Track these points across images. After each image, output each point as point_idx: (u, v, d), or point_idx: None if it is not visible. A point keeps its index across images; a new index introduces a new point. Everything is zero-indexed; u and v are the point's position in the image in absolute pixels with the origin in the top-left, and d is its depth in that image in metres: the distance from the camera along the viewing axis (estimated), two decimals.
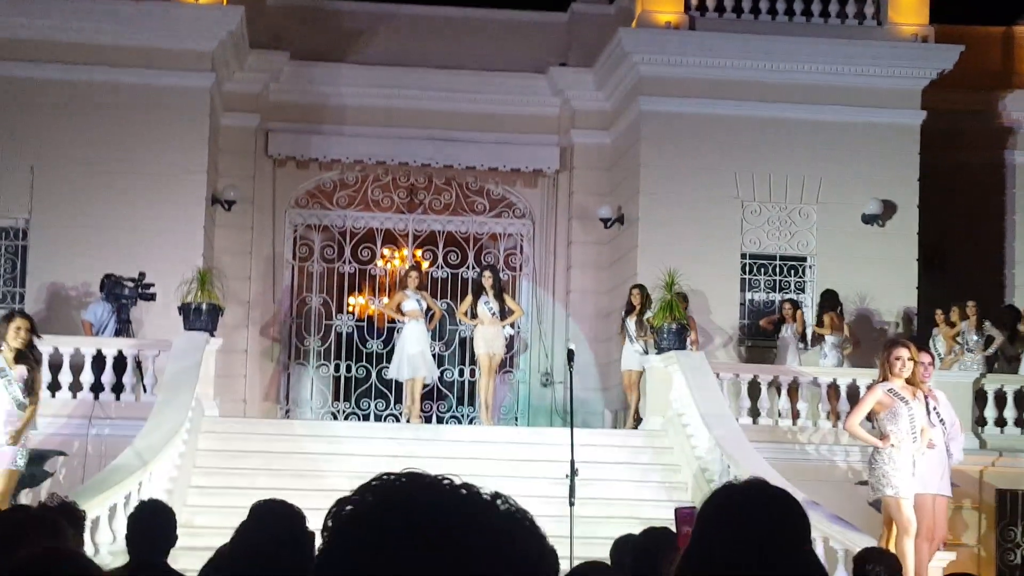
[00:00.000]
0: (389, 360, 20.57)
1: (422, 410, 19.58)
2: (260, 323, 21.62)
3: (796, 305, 20.02)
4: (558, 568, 5.18)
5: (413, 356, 18.69)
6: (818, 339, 19.70)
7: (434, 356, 19.90)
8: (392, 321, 22.46)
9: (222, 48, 20.28)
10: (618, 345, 19.67)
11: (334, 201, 22.23)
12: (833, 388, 17.73)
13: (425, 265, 22.17)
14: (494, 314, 18.56)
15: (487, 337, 18.68)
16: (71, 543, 7.38)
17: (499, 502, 1.56)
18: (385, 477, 1.58)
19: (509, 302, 18.94)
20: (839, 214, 20.79)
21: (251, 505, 4.36)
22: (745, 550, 2.53)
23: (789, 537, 2.58)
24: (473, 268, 22.06)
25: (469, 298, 19.18)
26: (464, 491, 1.56)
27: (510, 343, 20.10)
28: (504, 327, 18.92)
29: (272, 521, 4.21)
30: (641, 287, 19.08)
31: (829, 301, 19.72)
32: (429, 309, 19.18)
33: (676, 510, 5.55)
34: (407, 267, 20.18)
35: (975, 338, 19.76)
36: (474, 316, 18.90)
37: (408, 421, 18.75)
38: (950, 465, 12.50)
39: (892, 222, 20.88)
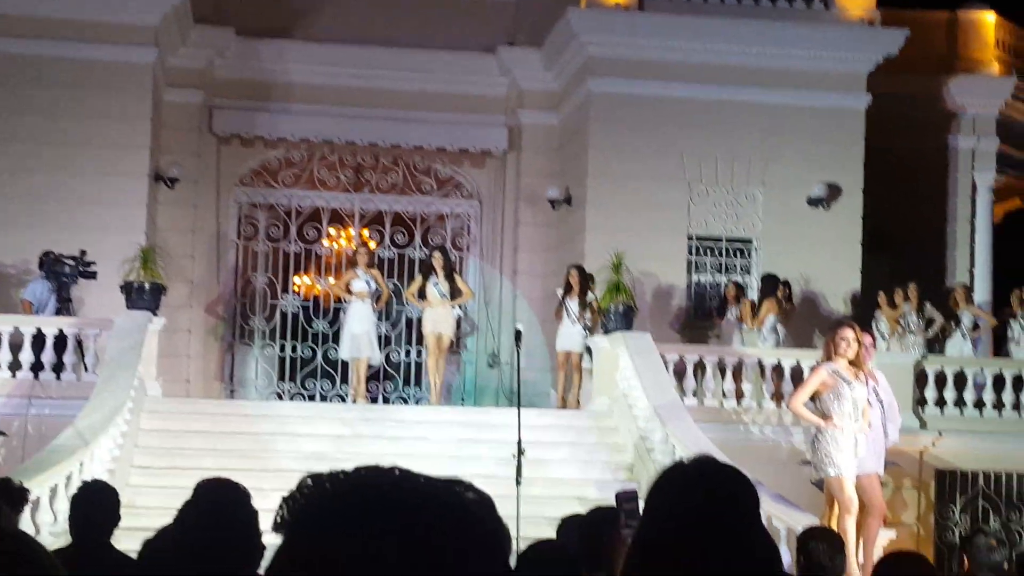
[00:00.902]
0: (335, 340, 20.51)
1: (368, 390, 19.51)
2: (204, 302, 21.46)
3: (741, 288, 20.12)
4: (510, 549, 5.18)
5: (357, 336, 18.58)
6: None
7: (380, 337, 19.80)
8: (339, 300, 22.38)
9: (166, 22, 20.07)
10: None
11: (279, 180, 22.09)
12: (777, 369, 17.83)
13: (372, 245, 22.08)
14: (443, 295, 18.39)
15: (436, 318, 18.49)
16: (8, 522, 7.30)
17: (459, 488, 1.54)
18: (340, 471, 1.56)
19: (459, 283, 18.79)
20: (785, 197, 20.89)
21: (195, 484, 4.31)
22: (696, 527, 2.52)
23: (740, 513, 2.57)
24: (420, 248, 22.00)
25: (419, 279, 19.04)
26: (422, 480, 1.54)
27: (458, 324, 19.94)
28: (454, 308, 18.76)
29: (216, 500, 4.17)
30: (579, 267, 19.07)
31: (769, 286, 19.81)
32: (378, 289, 19.02)
33: (617, 493, 5.56)
34: (356, 246, 20.06)
35: (916, 320, 19.93)
36: (423, 297, 18.69)
37: (354, 401, 18.66)
38: (886, 445, 12.66)
39: (837, 205, 21.01)
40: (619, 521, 5.36)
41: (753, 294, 20.41)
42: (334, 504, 1.52)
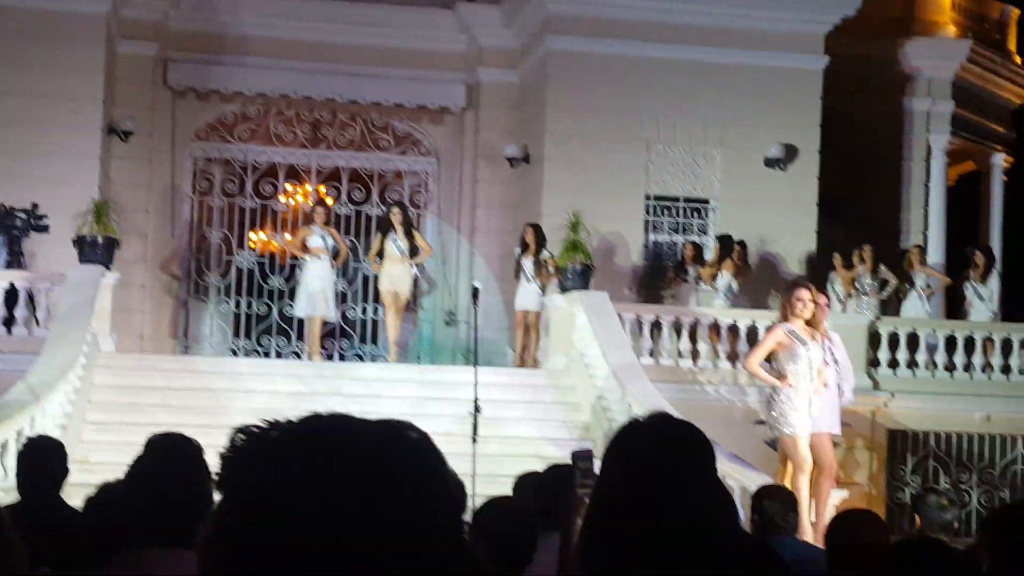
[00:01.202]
0: (291, 297, 20.43)
1: (323, 347, 19.44)
2: (158, 258, 21.30)
3: (699, 248, 20.15)
4: (465, 501, 5.16)
5: (314, 293, 18.44)
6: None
7: (337, 295, 19.73)
8: (295, 257, 22.28)
9: None
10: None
11: (235, 134, 21.91)
12: (733, 330, 17.91)
13: (329, 202, 21.95)
14: (402, 253, 18.24)
15: (393, 275, 18.36)
16: None
17: (409, 432, 1.52)
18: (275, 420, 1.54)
19: (418, 239, 18.68)
20: (742, 157, 20.92)
21: (147, 439, 4.28)
22: (652, 481, 2.53)
23: (695, 466, 2.58)
24: (378, 205, 21.90)
25: (378, 238, 18.92)
26: (373, 423, 1.51)
27: (416, 283, 19.78)
28: (412, 266, 18.59)
29: (168, 454, 4.14)
30: (535, 226, 19.05)
31: (725, 246, 19.86)
32: (336, 246, 18.92)
33: (572, 452, 5.56)
34: (313, 203, 19.84)
35: (870, 281, 20.04)
36: (381, 256, 18.60)
37: (310, 359, 18.58)
38: (840, 405, 12.76)
39: (794, 166, 21.06)
40: (575, 481, 5.35)
41: (710, 254, 20.44)
42: (269, 453, 1.49)
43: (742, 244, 20.02)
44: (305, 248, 18.79)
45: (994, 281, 20.44)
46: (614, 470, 2.62)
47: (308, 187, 22.21)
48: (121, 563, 3.97)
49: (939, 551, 4.05)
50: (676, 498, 2.51)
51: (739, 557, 2.55)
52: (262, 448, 1.49)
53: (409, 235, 18.36)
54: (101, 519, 4.58)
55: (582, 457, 5.43)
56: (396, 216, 18.36)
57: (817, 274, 20.31)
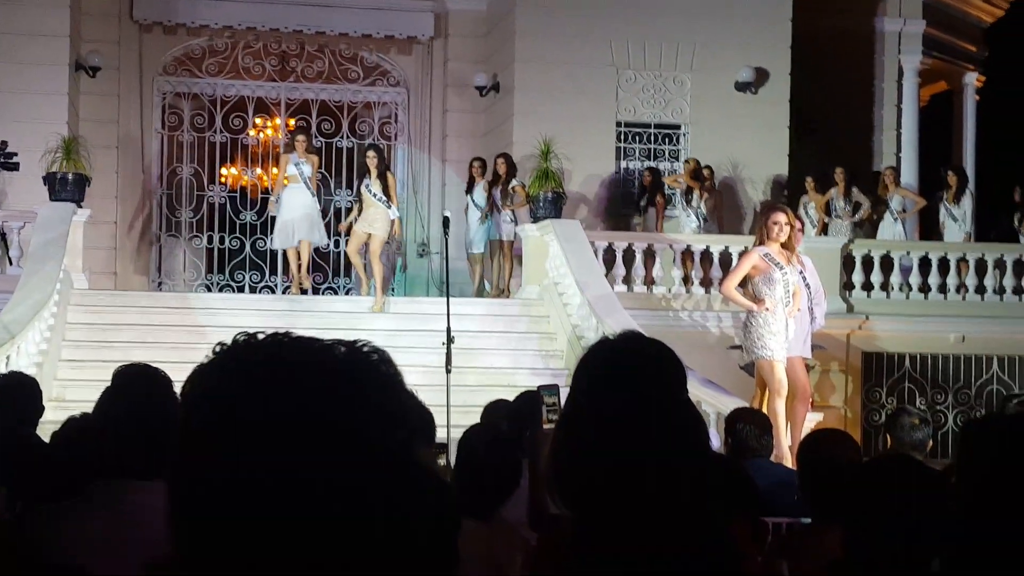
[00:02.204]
0: (263, 232, 20.34)
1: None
2: (129, 194, 21.18)
3: (656, 174, 20.04)
4: (434, 427, 5.10)
5: (289, 223, 17.82)
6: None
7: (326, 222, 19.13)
8: (267, 191, 22.16)
9: None
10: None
11: (203, 68, 21.70)
12: (706, 255, 17.93)
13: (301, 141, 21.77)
14: (376, 196, 17.45)
15: (367, 217, 17.45)
16: None
17: (375, 357, 1.50)
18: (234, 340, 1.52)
19: (391, 183, 17.70)
20: (713, 82, 20.85)
21: (114, 371, 4.26)
22: (624, 400, 2.52)
23: (667, 385, 2.57)
24: (348, 137, 21.78)
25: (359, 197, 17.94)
26: (337, 343, 1.50)
27: (393, 226, 18.12)
28: (390, 208, 17.54)
29: (136, 385, 4.12)
30: (507, 156, 19.01)
31: (692, 170, 19.87)
32: (309, 173, 18.12)
33: (539, 387, 5.57)
34: (294, 131, 19.32)
35: (843, 204, 20.07)
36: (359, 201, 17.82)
37: (303, 291, 18.04)
38: (812, 330, 12.78)
39: (764, 89, 21.00)
40: (541, 417, 5.37)
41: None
42: (226, 369, 1.47)
43: (709, 169, 19.99)
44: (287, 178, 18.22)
45: (967, 201, 20.49)
46: (584, 387, 2.61)
47: (278, 120, 22.05)
48: (93, 495, 3.97)
49: (910, 467, 4.07)
50: (646, 414, 2.50)
51: (710, 477, 2.56)
52: (216, 372, 1.48)
53: (383, 178, 17.53)
54: (71, 452, 4.57)
55: (548, 392, 5.45)
56: (371, 160, 17.65)
57: (790, 198, 20.35)
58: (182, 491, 1.45)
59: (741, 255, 12.99)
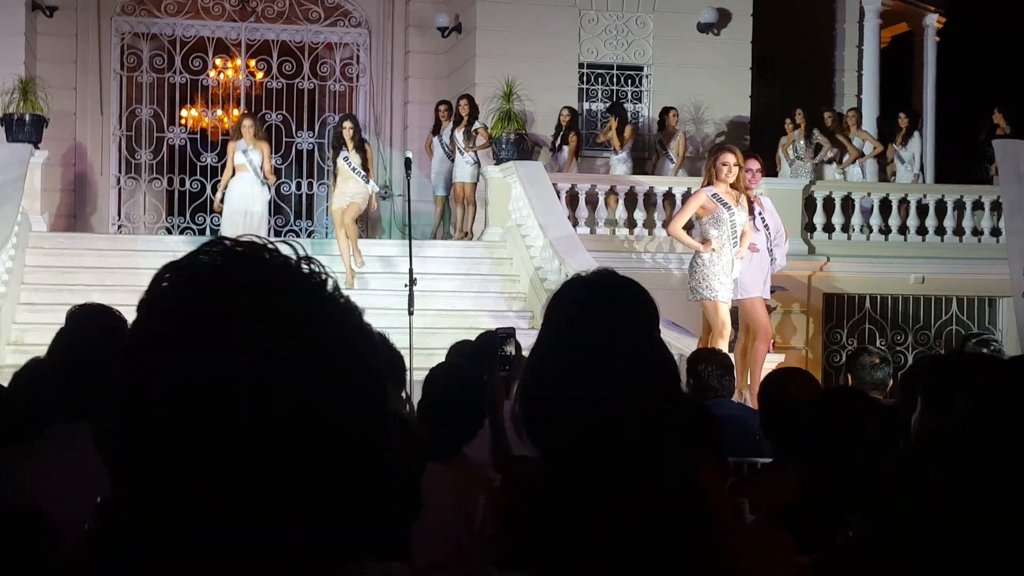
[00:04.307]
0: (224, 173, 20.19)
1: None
2: (87, 135, 20.97)
3: (574, 113, 19.73)
4: (404, 370, 5.09)
5: (234, 213, 16.58)
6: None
7: (271, 213, 18.22)
8: (227, 133, 21.96)
9: None
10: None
11: (162, 8, 21.44)
12: (669, 197, 17.92)
13: (260, 76, 21.64)
14: (354, 169, 16.55)
15: (346, 192, 16.55)
16: None
17: (338, 293, 1.45)
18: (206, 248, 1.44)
19: (369, 155, 16.97)
20: (675, 23, 20.78)
21: (67, 311, 4.22)
22: (595, 335, 2.51)
23: (639, 322, 2.56)
24: (308, 79, 21.60)
25: (332, 156, 17.21)
26: (298, 264, 1.41)
27: (371, 200, 17.11)
28: (369, 182, 16.68)
29: (89, 325, 4.09)
30: (469, 97, 18.93)
31: (619, 114, 19.78)
32: (261, 162, 16.81)
33: (496, 329, 5.57)
34: (239, 118, 17.76)
35: (803, 146, 20.07)
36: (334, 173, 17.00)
37: None
38: (772, 271, 12.81)
39: (727, 31, 20.95)
40: (497, 362, 5.36)
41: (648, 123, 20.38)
42: (176, 285, 1.40)
43: (675, 111, 19.96)
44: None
45: (915, 143, 20.48)
46: (554, 322, 2.59)
47: (238, 61, 21.85)
48: (52, 437, 3.96)
49: (861, 400, 4.09)
50: (616, 350, 2.49)
51: (678, 415, 2.55)
52: (165, 294, 1.40)
53: (360, 149, 16.68)
54: (30, 394, 4.54)
55: (504, 338, 5.44)
56: (347, 130, 16.66)
57: (754, 139, 20.37)
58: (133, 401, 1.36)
59: (691, 195, 12.97)
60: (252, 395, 1.32)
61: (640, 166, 20.00)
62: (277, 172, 20.84)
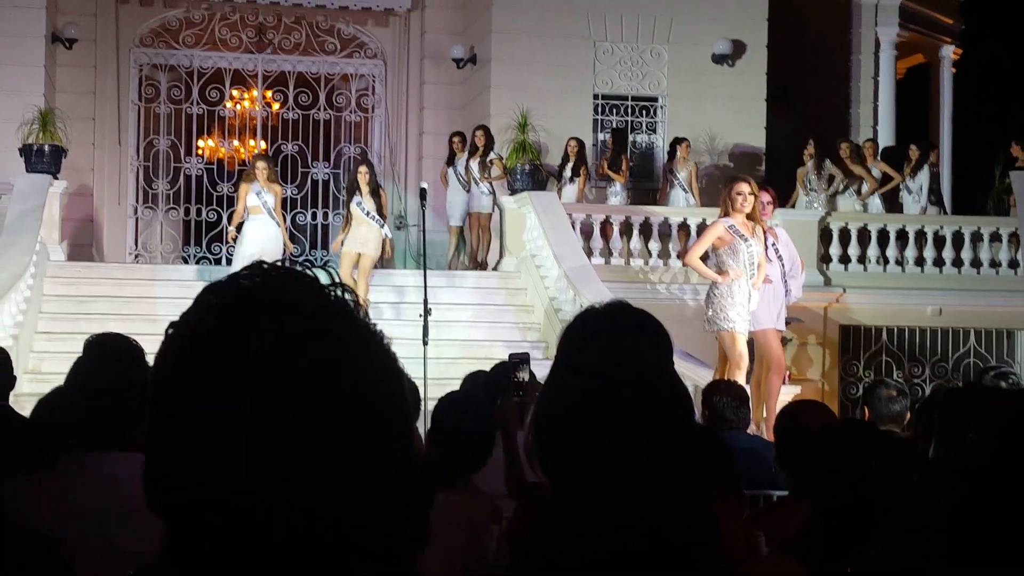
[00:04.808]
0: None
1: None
2: (105, 165, 21.08)
3: (581, 144, 19.59)
4: (420, 399, 5.12)
5: (248, 259, 15.36)
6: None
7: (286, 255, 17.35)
8: (243, 163, 22.02)
9: None
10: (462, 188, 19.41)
11: (180, 40, 21.59)
12: (684, 228, 17.92)
13: (276, 107, 21.74)
14: (368, 214, 16.22)
15: (359, 236, 16.22)
16: None
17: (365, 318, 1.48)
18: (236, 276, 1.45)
19: (384, 199, 16.79)
20: (690, 54, 20.83)
21: (85, 341, 4.24)
22: (609, 367, 2.51)
23: (652, 353, 2.56)
24: (324, 109, 21.69)
25: (346, 202, 16.97)
26: (332, 297, 1.44)
27: (385, 244, 16.78)
28: (383, 227, 16.37)
29: (107, 355, 4.11)
30: (485, 128, 18.97)
31: (620, 144, 19.81)
32: (274, 204, 16.48)
33: (510, 355, 5.58)
34: (254, 158, 17.39)
35: (815, 178, 20.02)
36: (347, 222, 16.61)
37: None
38: (787, 302, 12.77)
39: (742, 61, 21.00)
40: (511, 388, 5.37)
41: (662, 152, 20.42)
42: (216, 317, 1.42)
43: (687, 141, 19.90)
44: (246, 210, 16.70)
45: (923, 175, 20.39)
46: (568, 353, 2.60)
47: (255, 92, 21.96)
48: (66, 465, 3.97)
49: (875, 433, 4.09)
50: (630, 381, 2.49)
51: (692, 447, 2.55)
52: (191, 329, 1.43)
53: (375, 194, 16.38)
54: (48, 422, 4.57)
55: (517, 363, 5.45)
56: (363, 176, 16.36)
57: (768, 170, 20.38)
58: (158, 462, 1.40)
59: (707, 226, 12.95)
60: (255, 405, 1.34)
61: (649, 196, 19.95)
62: (293, 202, 20.99)
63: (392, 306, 16.43)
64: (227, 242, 18.95)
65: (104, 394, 3.87)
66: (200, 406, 1.36)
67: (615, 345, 2.54)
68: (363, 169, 16.50)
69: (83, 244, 20.09)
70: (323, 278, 1.46)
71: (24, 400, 6.93)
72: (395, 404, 1.44)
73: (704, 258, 12.35)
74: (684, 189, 19.51)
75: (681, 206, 19.04)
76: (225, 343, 1.38)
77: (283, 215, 16.82)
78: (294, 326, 1.38)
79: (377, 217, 16.18)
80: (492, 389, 6.03)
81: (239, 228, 16.20)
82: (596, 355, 2.53)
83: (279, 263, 1.47)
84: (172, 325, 1.45)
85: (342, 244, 16.40)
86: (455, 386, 8.63)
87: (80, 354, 4.20)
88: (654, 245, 17.88)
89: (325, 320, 1.41)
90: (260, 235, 16.11)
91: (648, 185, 20.45)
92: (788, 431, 5.10)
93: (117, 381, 3.90)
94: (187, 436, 1.36)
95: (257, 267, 1.45)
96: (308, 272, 1.45)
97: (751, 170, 19.94)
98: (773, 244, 12.34)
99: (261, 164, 16.58)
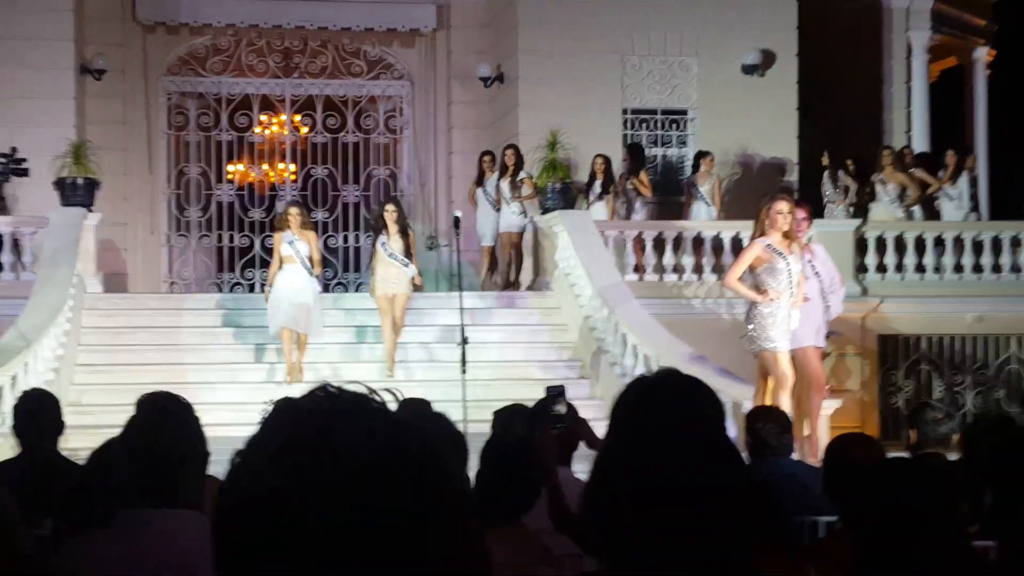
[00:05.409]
0: (273, 228, 20.28)
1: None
2: (137, 195, 21.20)
3: (608, 161, 19.53)
4: (466, 448, 5.07)
5: (283, 310, 15.37)
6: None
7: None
8: (273, 188, 22.14)
9: None
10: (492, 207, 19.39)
11: (207, 67, 21.70)
12: (716, 242, 17.85)
13: (304, 130, 21.81)
14: (391, 255, 15.68)
15: (387, 278, 15.69)
16: None
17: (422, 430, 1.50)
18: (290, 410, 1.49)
19: (412, 239, 16.16)
20: (719, 66, 20.77)
21: (137, 400, 4.29)
22: (661, 438, 2.50)
23: (705, 424, 2.55)
24: (353, 132, 21.76)
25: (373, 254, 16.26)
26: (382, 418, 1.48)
27: (415, 284, 16.08)
28: (408, 266, 15.78)
29: (157, 411, 4.17)
30: (515, 147, 18.95)
31: (635, 157, 19.72)
32: (309, 253, 15.69)
33: (546, 388, 5.56)
34: (286, 206, 16.62)
35: (832, 189, 19.89)
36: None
37: (287, 382, 15.23)
38: (828, 318, 12.68)
39: (772, 72, 20.92)
40: (547, 421, 5.35)
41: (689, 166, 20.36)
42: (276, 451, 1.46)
43: (710, 156, 19.80)
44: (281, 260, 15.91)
45: (963, 181, 20.28)
46: (621, 422, 2.59)
47: (283, 117, 22.04)
48: (121, 523, 4.02)
49: (923, 468, 4.05)
50: (683, 455, 2.48)
51: (746, 515, 2.53)
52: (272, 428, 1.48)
53: (403, 233, 15.85)
54: (102, 480, 4.61)
55: (553, 397, 5.43)
56: (391, 215, 15.86)
57: (800, 181, 20.30)
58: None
59: (736, 241, 12.88)
60: (326, 530, 1.40)
61: (676, 210, 19.85)
62: (324, 226, 21.04)
63: (426, 328, 16.41)
64: (261, 267, 19.01)
65: (156, 452, 3.92)
66: (268, 534, 1.41)
67: (665, 410, 2.53)
68: (391, 208, 16.03)
69: (118, 274, 20.19)
70: (389, 401, 1.51)
71: (67, 433, 7.01)
72: (456, 514, 1.48)
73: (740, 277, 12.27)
74: (706, 202, 19.41)
75: (703, 219, 18.92)
76: (297, 473, 1.42)
77: (320, 260, 16.16)
78: (364, 457, 1.43)
79: (401, 258, 15.69)
80: (531, 426, 6.01)
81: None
82: (646, 427, 2.52)
83: (345, 388, 1.50)
84: (239, 453, 1.49)
85: (375, 289, 15.85)
86: (491, 406, 8.62)
87: (120, 385, 4.26)
88: (687, 260, 17.80)
89: (391, 452, 1.45)
90: (294, 286, 15.44)
91: (676, 199, 20.37)
92: (837, 465, 5.05)
93: (168, 439, 3.95)
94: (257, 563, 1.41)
95: (323, 388, 1.49)
96: (376, 398, 1.50)
97: (783, 181, 19.88)
98: (810, 261, 12.26)
99: (294, 211, 15.89)
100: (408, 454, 1.45)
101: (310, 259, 15.54)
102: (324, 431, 1.43)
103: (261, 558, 1.41)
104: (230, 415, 13.24)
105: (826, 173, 19.99)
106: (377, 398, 1.49)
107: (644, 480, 2.50)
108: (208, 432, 4.16)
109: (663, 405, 2.55)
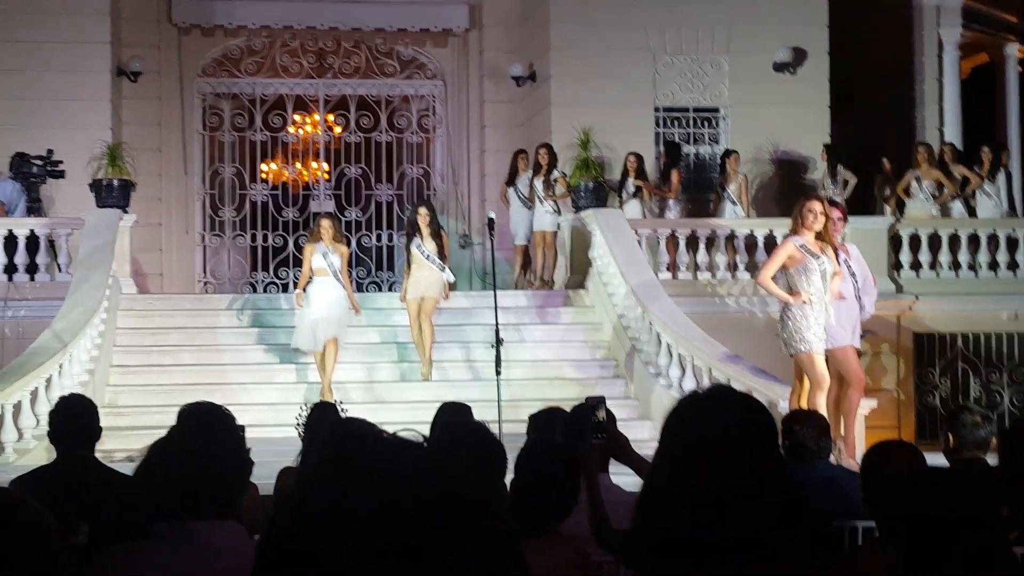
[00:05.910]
0: (306, 228, 20.36)
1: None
2: (172, 195, 21.32)
3: (640, 159, 19.51)
4: (505, 459, 5.10)
5: (313, 323, 15.25)
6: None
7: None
8: (307, 186, 22.23)
9: None
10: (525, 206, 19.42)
11: (242, 68, 21.80)
12: (750, 240, 17.79)
13: (338, 130, 21.88)
14: (428, 257, 15.63)
15: (420, 281, 15.61)
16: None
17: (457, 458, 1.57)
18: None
19: (446, 241, 16.06)
20: (751, 63, 20.74)
21: (179, 410, 4.31)
22: (712, 457, 2.51)
23: (757, 443, 2.56)
24: (386, 131, 21.82)
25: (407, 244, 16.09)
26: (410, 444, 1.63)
27: (448, 287, 16.00)
28: (444, 269, 15.72)
29: (200, 423, 4.18)
30: (548, 146, 18.95)
31: (672, 155, 19.70)
32: (339, 268, 15.53)
33: (586, 398, 5.59)
34: (320, 219, 16.09)
35: (831, 184, 19.76)
36: (410, 263, 15.88)
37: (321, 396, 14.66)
38: (862, 319, 12.62)
39: (803, 69, 20.87)
40: (587, 432, 5.39)
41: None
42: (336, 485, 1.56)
43: (736, 154, 19.74)
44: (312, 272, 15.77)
45: (1001, 178, 20.16)
46: (672, 447, 2.60)
47: (316, 117, 22.12)
48: (161, 534, 4.02)
49: (963, 478, 4.04)
50: (737, 475, 2.50)
51: (795, 537, 2.54)
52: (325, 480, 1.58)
53: (436, 236, 15.79)
54: (143, 491, 4.64)
55: (592, 407, 5.47)
56: (423, 217, 15.78)
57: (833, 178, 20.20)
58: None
59: (769, 239, 12.84)
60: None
61: (709, 208, 19.83)
62: (358, 225, 21.13)
63: (459, 328, 16.44)
64: (294, 266, 19.07)
65: (198, 463, 3.94)
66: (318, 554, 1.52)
67: (716, 436, 2.54)
68: (423, 211, 15.94)
69: (153, 274, 20.31)
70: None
71: (103, 434, 7.03)
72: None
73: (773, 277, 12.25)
74: (733, 202, 19.38)
75: (729, 218, 18.88)
76: (355, 500, 1.54)
77: (349, 275, 16.12)
78: (416, 490, 1.56)
79: (437, 260, 15.62)
80: (569, 433, 6.03)
81: (305, 289, 15.50)
82: (697, 446, 2.53)
83: (399, 433, 1.63)
84: (303, 479, 1.62)
85: (407, 293, 15.78)
86: (528, 407, 8.65)
87: (155, 386, 4.29)
88: (721, 258, 17.77)
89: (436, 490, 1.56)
90: (327, 299, 15.31)
91: (708, 197, 20.32)
92: (875, 475, 5.04)
93: (210, 450, 3.97)
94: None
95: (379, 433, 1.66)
96: (416, 441, 1.65)
97: (803, 178, 19.82)
98: (845, 260, 12.23)
99: (326, 223, 15.70)
100: (453, 491, 1.56)
101: (342, 272, 15.46)
102: (379, 464, 1.56)
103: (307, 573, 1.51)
104: (266, 415, 13.35)
105: (825, 167, 19.92)
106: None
107: (696, 497, 2.52)
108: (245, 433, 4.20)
109: (714, 422, 2.56)
